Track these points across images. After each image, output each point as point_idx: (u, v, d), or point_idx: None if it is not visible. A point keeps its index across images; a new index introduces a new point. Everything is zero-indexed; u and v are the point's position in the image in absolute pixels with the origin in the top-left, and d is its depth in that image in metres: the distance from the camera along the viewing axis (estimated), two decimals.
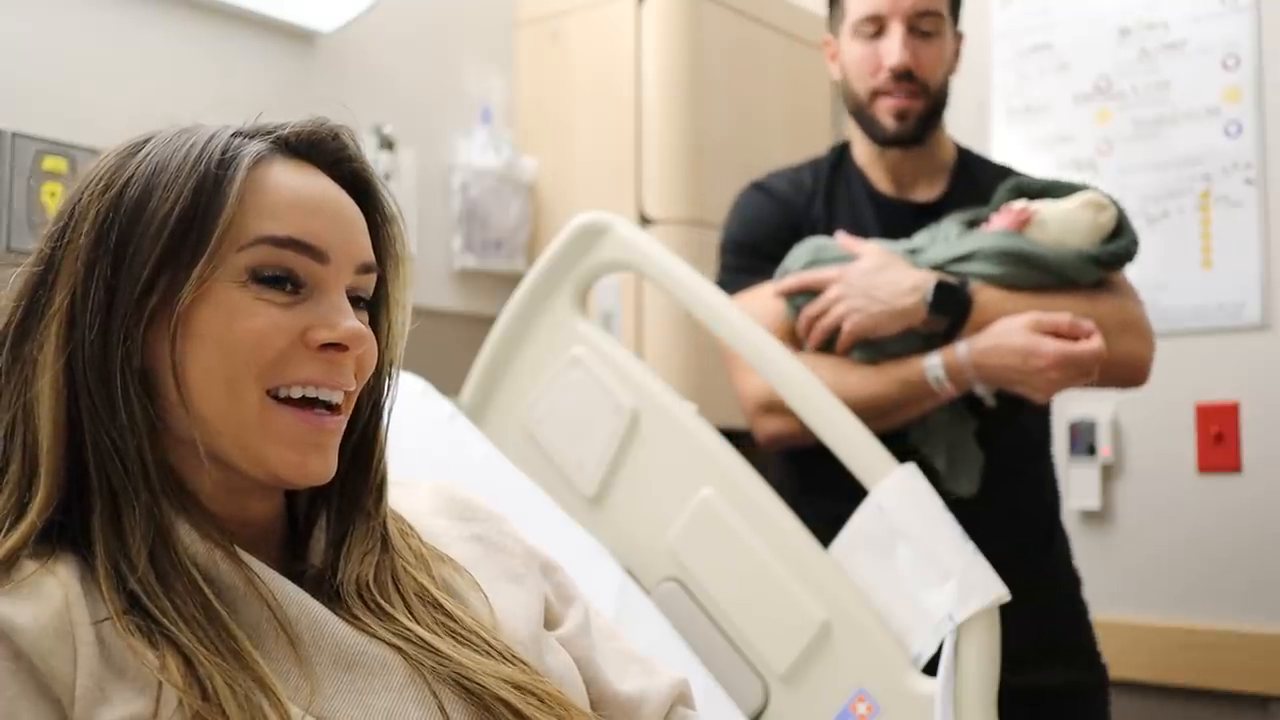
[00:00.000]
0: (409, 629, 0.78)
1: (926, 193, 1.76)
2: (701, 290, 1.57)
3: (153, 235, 0.73)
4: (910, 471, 1.41)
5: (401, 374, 1.64)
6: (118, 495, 0.72)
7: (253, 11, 1.92)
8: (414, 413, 1.55)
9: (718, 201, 2.26)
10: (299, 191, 0.78)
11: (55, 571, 0.70)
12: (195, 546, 0.73)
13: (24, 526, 0.71)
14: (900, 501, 1.39)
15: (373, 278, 0.82)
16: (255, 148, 0.78)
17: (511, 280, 1.99)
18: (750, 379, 1.65)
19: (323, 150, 0.81)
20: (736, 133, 2.32)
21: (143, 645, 0.68)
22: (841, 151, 1.82)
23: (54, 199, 1.63)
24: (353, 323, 0.77)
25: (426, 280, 2.19)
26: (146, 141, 0.78)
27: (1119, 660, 2.21)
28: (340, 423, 0.79)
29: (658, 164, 2.20)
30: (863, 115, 1.72)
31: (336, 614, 0.77)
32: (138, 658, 0.67)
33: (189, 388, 0.74)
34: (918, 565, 1.37)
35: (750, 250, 1.75)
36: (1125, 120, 2.30)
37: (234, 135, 0.78)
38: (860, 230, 1.69)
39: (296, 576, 0.79)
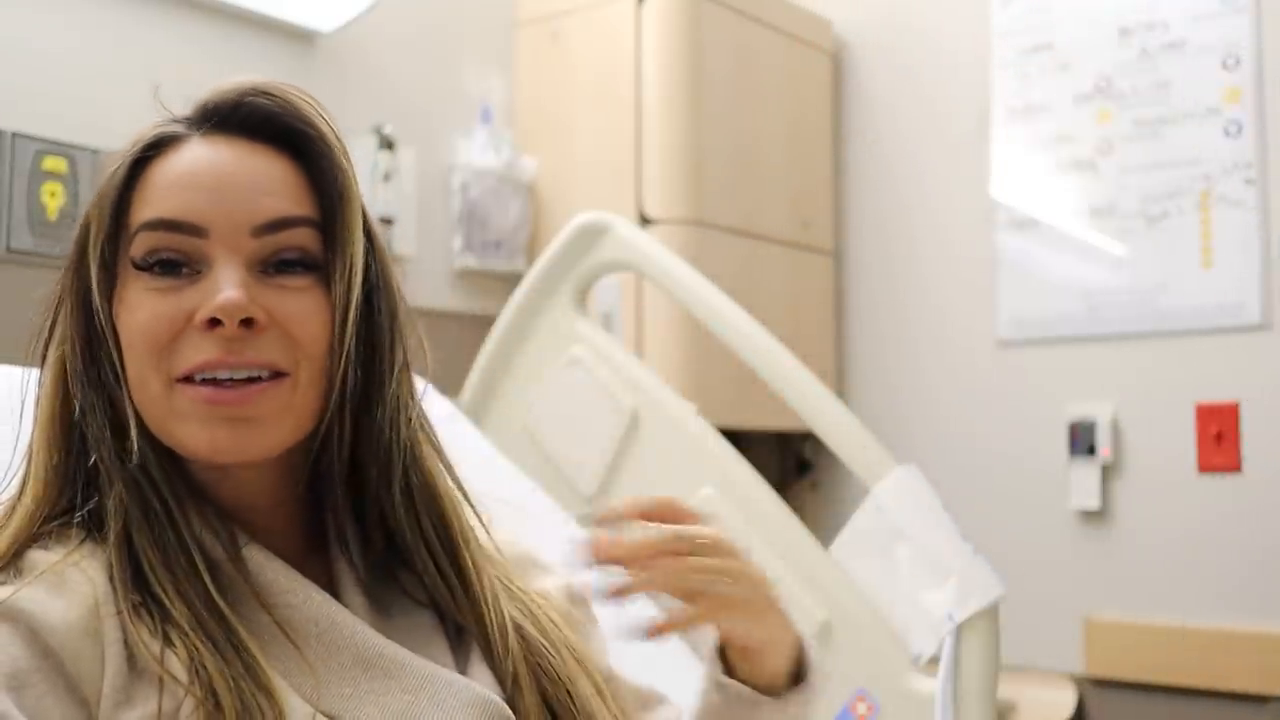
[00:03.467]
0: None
1: None
2: (701, 290, 1.57)
3: (84, 243, 0.76)
4: (910, 471, 1.41)
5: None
6: (125, 489, 0.73)
7: (253, 11, 1.92)
8: None
9: (718, 201, 2.26)
10: (177, 170, 0.75)
11: (85, 568, 0.71)
12: (211, 546, 0.74)
13: (18, 520, 0.73)
14: (900, 501, 1.39)
15: (295, 234, 0.75)
16: (158, 134, 0.77)
17: (511, 280, 1.99)
18: None
19: (253, 117, 0.77)
20: (736, 133, 2.32)
21: (150, 637, 0.69)
22: None
23: (54, 199, 1.63)
24: (229, 293, 0.71)
25: (426, 280, 2.19)
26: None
27: (1119, 660, 2.21)
28: (258, 392, 0.73)
29: (658, 164, 2.20)
30: None
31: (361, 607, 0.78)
32: (145, 649, 0.68)
33: (126, 384, 0.75)
34: (918, 565, 1.37)
35: None
36: (1125, 120, 2.30)
37: (160, 125, 0.78)
38: None
39: (323, 570, 0.79)
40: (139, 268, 0.74)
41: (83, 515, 0.74)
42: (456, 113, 2.27)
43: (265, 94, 0.77)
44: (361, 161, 2.03)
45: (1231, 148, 2.19)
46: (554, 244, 1.70)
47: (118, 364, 0.75)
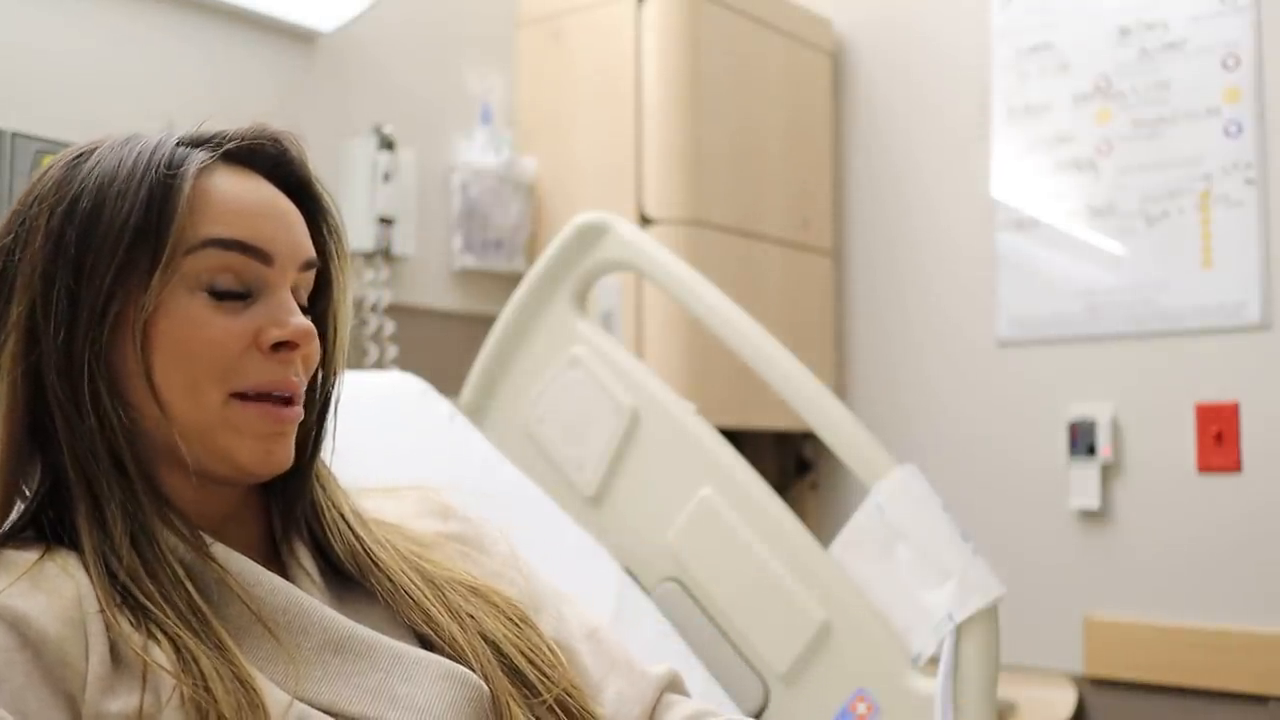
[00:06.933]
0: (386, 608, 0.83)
1: None
2: (701, 290, 1.57)
3: (110, 246, 0.75)
4: (910, 471, 1.41)
5: (402, 374, 1.64)
6: (97, 494, 0.74)
7: (253, 11, 1.92)
8: (414, 413, 1.55)
9: (717, 201, 2.26)
10: (241, 196, 0.79)
11: (64, 565, 0.72)
12: (177, 544, 0.76)
13: None
14: (900, 501, 1.39)
15: (313, 274, 0.84)
16: (200, 156, 0.79)
17: (511, 280, 1.99)
18: None
19: (262, 156, 0.83)
20: (736, 132, 2.32)
21: (134, 633, 0.70)
22: None
23: None
24: (300, 320, 0.80)
25: (426, 280, 2.19)
26: (91, 152, 0.80)
27: (1119, 660, 2.21)
28: (297, 413, 0.81)
29: (658, 164, 2.20)
30: None
31: (320, 595, 0.81)
32: (127, 644, 0.69)
33: (155, 390, 0.76)
34: (917, 565, 1.37)
35: None
36: (1125, 120, 2.30)
37: (178, 144, 0.80)
38: None
39: (279, 570, 0.81)
40: (210, 288, 0.77)
41: (48, 525, 0.76)
42: (456, 113, 2.27)
43: (280, 142, 0.84)
44: (361, 161, 2.03)
45: (1231, 148, 2.19)
46: (554, 244, 1.70)
47: (113, 372, 0.75)
